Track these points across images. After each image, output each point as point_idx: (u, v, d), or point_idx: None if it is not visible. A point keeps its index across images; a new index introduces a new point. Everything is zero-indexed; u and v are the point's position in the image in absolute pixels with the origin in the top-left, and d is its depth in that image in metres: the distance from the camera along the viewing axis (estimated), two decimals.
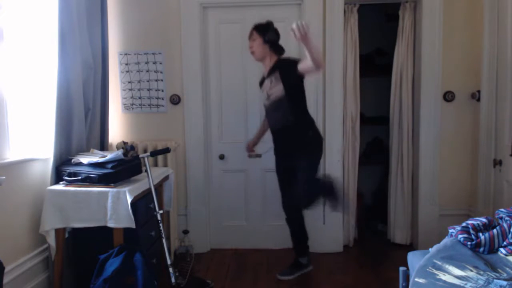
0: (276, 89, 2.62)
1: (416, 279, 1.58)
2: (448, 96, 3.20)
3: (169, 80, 3.26)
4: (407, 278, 1.82)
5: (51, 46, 2.47)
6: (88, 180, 2.29)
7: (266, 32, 2.67)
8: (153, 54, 3.23)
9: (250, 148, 3.00)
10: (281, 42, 3.24)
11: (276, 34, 2.71)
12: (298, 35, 2.10)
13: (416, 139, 3.30)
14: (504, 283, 1.42)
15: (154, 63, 3.24)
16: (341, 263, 3.10)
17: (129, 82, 3.27)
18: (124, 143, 2.96)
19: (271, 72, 2.68)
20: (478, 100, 3.08)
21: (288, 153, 2.73)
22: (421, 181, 3.26)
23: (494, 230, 1.76)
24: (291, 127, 2.65)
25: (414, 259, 1.80)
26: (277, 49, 2.72)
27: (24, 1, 2.39)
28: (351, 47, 3.28)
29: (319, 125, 2.97)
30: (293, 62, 2.56)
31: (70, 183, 2.33)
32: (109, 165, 2.30)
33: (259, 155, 2.99)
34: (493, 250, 1.72)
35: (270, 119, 2.78)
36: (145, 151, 3.07)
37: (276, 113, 2.67)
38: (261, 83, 2.82)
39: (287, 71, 2.59)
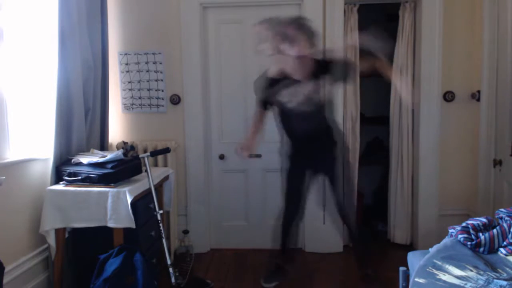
0: (319, 94, 2.46)
1: (416, 279, 1.58)
2: (448, 96, 3.20)
3: (169, 80, 3.26)
4: (407, 278, 1.82)
5: (51, 46, 2.47)
6: (88, 180, 2.29)
7: (310, 29, 2.41)
8: (153, 54, 3.23)
9: (250, 148, 2.59)
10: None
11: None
12: None
13: (416, 139, 3.30)
14: (504, 283, 1.42)
15: (154, 63, 3.24)
16: (341, 263, 3.10)
17: (129, 82, 3.27)
18: (124, 143, 2.96)
19: (317, 74, 2.45)
20: (478, 100, 3.08)
21: (319, 160, 2.59)
22: (421, 181, 3.26)
23: (494, 230, 1.75)
24: (325, 134, 2.58)
25: (414, 259, 1.80)
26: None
27: (24, 1, 2.39)
28: (351, 47, 3.28)
29: None
30: (345, 75, 2.51)
31: (70, 183, 2.33)
32: (109, 165, 2.30)
33: (259, 155, 2.98)
34: (493, 250, 1.72)
35: (301, 124, 2.53)
36: (145, 151, 3.07)
37: (315, 119, 2.51)
38: (280, 82, 2.52)
39: (335, 77, 2.48)
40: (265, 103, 2.63)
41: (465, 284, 1.46)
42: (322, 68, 2.46)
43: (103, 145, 3.00)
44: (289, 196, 2.70)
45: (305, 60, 2.43)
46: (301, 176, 2.67)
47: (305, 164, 2.64)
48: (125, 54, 3.24)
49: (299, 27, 2.38)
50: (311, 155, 2.59)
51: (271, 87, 2.54)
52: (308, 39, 2.38)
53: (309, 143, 2.57)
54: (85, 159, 2.37)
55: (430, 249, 1.77)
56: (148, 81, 3.26)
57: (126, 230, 2.28)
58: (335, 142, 2.63)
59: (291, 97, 2.48)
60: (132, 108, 3.29)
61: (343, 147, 2.67)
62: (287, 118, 2.58)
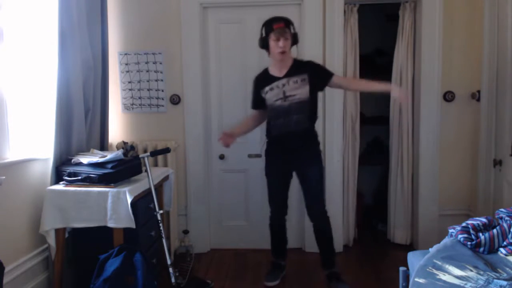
0: (301, 91, 2.54)
1: (416, 279, 1.59)
2: (448, 96, 3.20)
3: (169, 80, 3.26)
4: (407, 278, 1.82)
5: (51, 46, 2.47)
6: (88, 180, 2.29)
7: (294, 30, 2.59)
8: (153, 54, 3.23)
9: (229, 138, 2.68)
10: None
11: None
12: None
13: (416, 139, 3.30)
14: (504, 283, 1.42)
15: (154, 63, 3.24)
16: (341, 263, 3.09)
17: (129, 82, 3.27)
18: (124, 143, 2.96)
19: (294, 72, 2.57)
20: (478, 100, 3.08)
21: (298, 158, 2.63)
22: (421, 181, 3.26)
23: (494, 230, 1.76)
24: (306, 132, 2.62)
25: (414, 259, 1.80)
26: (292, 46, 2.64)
27: (24, 1, 2.39)
28: (351, 47, 3.28)
29: (318, 125, 2.96)
30: (327, 74, 2.63)
31: (70, 183, 2.33)
32: (109, 165, 2.30)
33: (259, 155, 2.98)
34: (493, 250, 1.72)
35: (282, 121, 2.59)
36: (145, 151, 3.07)
37: (296, 116, 2.56)
38: (264, 81, 2.65)
39: (318, 77, 2.60)
40: (256, 101, 2.75)
41: (465, 284, 1.46)
42: (300, 67, 2.60)
43: (103, 145, 3.00)
44: (271, 195, 2.80)
45: (285, 58, 2.58)
46: (280, 174, 2.73)
47: (283, 161, 2.68)
48: (125, 54, 3.24)
49: (288, 26, 2.54)
50: (287, 152, 2.65)
51: (259, 84, 2.70)
52: (291, 38, 2.54)
53: (288, 140, 2.62)
54: (85, 159, 2.37)
55: (430, 249, 1.77)
56: (148, 81, 3.26)
57: (126, 230, 2.27)
58: (315, 142, 2.71)
59: (271, 93, 2.61)
60: (132, 108, 3.29)
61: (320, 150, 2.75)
62: (269, 114, 2.68)
